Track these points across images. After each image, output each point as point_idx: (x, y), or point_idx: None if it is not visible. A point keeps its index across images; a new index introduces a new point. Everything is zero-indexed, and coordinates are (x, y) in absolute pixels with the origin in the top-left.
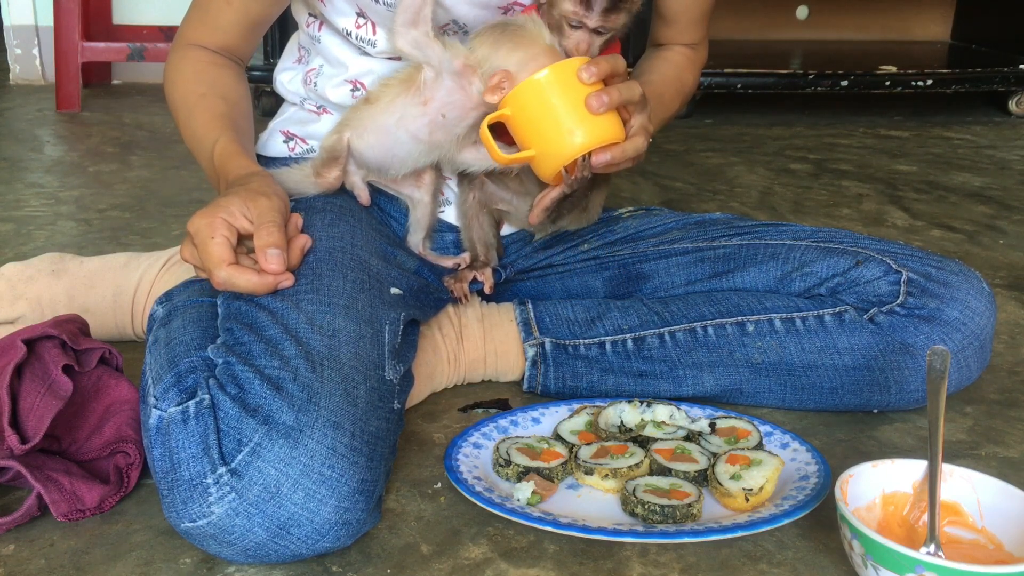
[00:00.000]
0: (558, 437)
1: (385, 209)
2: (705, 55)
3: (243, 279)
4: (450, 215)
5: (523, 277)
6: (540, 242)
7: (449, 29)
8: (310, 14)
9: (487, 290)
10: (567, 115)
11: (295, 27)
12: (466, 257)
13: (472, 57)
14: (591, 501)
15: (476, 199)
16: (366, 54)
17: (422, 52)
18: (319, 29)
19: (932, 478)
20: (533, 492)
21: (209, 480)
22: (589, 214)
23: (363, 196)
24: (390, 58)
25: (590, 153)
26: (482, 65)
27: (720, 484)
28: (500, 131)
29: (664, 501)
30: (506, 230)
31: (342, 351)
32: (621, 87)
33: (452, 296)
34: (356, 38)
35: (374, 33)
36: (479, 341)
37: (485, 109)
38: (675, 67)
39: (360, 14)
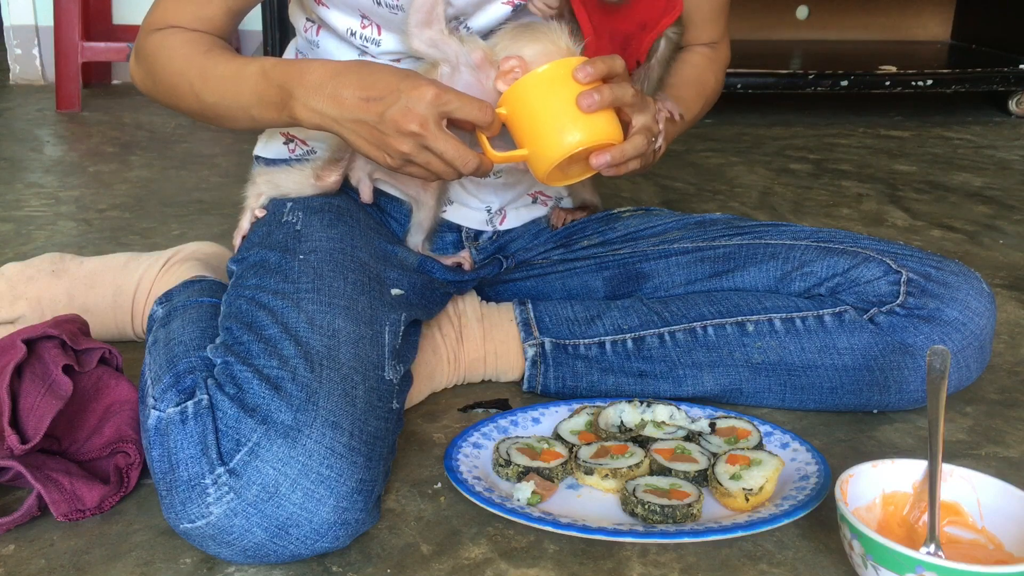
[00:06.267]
0: (558, 437)
1: (385, 209)
2: (727, 53)
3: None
4: (451, 214)
5: (523, 276)
6: (543, 237)
7: (452, 27)
8: (308, 19)
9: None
10: (559, 113)
11: (295, 33)
12: (466, 255)
13: (491, 51)
14: (591, 501)
15: None
16: (367, 54)
17: (439, 50)
18: (317, 33)
19: (932, 478)
20: (533, 492)
21: (207, 480)
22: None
23: (366, 193)
24: (393, 59)
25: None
26: (499, 57)
27: (720, 484)
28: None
29: (664, 501)
30: (510, 223)
31: (341, 351)
32: (614, 86)
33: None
34: (360, 38)
35: (379, 33)
36: (479, 341)
37: None
38: (694, 68)
39: (364, 16)
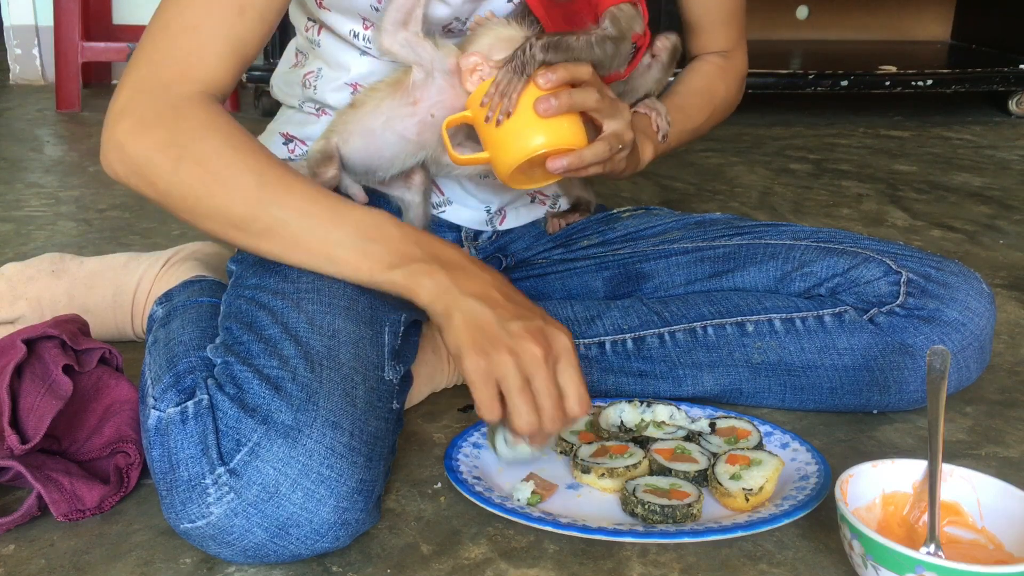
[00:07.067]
0: (558, 437)
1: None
2: (742, 63)
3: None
4: (451, 214)
5: (523, 276)
6: (543, 237)
7: (454, 27)
8: (309, 19)
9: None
10: (517, 117)
11: (295, 33)
12: None
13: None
14: (591, 501)
15: None
16: (368, 54)
17: (413, 52)
18: (318, 33)
19: (932, 478)
20: (533, 492)
21: (208, 480)
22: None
23: (360, 196)
24: (394, 60)
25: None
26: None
27: (720, 484)
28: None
29: (664, 501)
30: (510, 223)
31: (342, 352)
32: (574, 92)
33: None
34: (363, 39)
35: None
36: None
37: None
38: (702, 77)
39: (365, 19)
